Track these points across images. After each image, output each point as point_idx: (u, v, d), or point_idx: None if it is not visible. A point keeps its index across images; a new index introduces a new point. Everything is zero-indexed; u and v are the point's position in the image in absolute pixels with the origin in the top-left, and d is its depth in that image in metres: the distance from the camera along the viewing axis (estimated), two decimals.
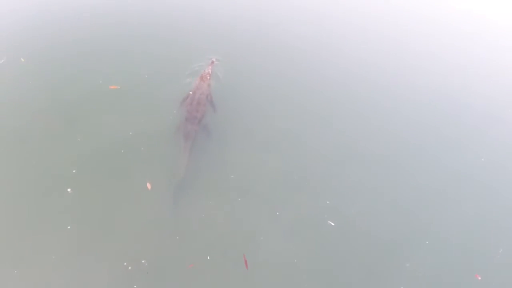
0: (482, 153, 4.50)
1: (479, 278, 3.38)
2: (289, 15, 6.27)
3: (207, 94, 4.15)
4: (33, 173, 3.50)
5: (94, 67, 4.54)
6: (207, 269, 3.13)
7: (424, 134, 4.64)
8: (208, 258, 3.19)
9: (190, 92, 4.13)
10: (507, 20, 7.81)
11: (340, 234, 3.53)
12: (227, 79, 4.69)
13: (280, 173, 3.88)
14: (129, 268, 3.04)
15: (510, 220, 3.94)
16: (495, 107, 5.28)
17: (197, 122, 3.95)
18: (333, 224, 3.55)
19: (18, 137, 3.77)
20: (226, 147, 3.97)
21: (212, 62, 4.48)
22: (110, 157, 3.73)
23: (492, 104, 5.31)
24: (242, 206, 3.58)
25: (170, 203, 3.44)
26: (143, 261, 3.08)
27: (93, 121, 3.98)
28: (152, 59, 4.76)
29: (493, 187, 4.21)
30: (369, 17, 6.85)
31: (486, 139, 4.73)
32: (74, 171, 3.51)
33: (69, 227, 3.15)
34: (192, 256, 3.18)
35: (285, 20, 6.13)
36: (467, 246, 3.64)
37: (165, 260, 3.13)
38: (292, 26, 5.94)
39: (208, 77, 4.29)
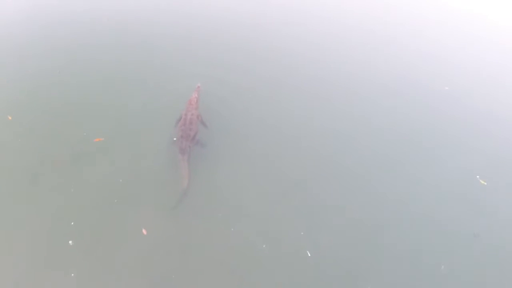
0: (484, 154, 4.67)
1: None
2: (276, 29, 6.83)
3: (197, 115, 4.86)
4: (32, 227, 3.59)
5: (76, 120, 4.74)
6: None
7: (424, 134, 4.93)
8: None
9: (183, 115, 4.83)
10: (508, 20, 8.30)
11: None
12: (214, 98, 5.31)
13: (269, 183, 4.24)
14: None
15: None
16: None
17: (191, 139, 4.63)
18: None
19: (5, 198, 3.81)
20: (220, 156, 4.49)
21: (198, 87, 5.23)
22: (104, 207, 3.85)
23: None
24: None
25: (166, 247, 3.60)
26: None
27: (83, 174, 4.10)
28: (135, 109, 5.02)
29: None
30: (370, 20, 7.28)
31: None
32: (72, 223, 3.65)
33: (72, 274, 3.29)
34: None
35: (272, 34, 6.70)
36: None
37: None
38: (279, 41, 6.49)
39: (196, 101, 5.03)
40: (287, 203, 4.05)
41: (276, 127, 4.98)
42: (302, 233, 3.77)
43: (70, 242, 3.54)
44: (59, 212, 3.76)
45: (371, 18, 7.68)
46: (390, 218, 4.01)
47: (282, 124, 5.04)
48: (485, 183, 4.43)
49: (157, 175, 4.28)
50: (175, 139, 4.49)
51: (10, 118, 4.71)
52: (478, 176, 4.51)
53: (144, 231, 3.72)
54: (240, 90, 5.46)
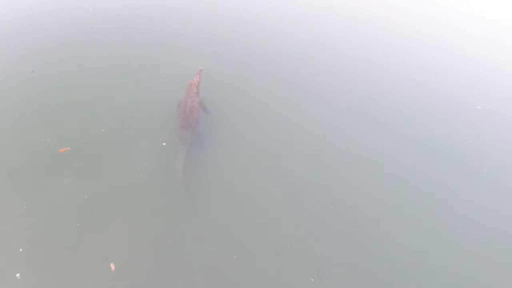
0: (486, 153, 4.52)
1: None
2: (279, 18, 6.52)
3: (199, 101, 4.45)
4: None
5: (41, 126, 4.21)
6: None
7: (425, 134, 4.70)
8: None
9: (182, 101, 4.42)
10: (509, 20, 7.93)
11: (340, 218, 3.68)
12: (217, 83, 5.00)
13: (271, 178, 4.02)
14: None
15: None
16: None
17: (192, 128, 4.26)
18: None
19: None
20: (219, 151, 4.23)
21: (200, 70, 4.77)
22: (63, 230, 3.23)
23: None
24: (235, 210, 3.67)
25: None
26: None
27: (42, 187, 3.55)
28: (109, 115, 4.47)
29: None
30: (369, 18, 7.01)
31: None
32: (20, 249, 3.01)
33: None
34: None
35: (275, 22, 6.39)
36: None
37: None
38: (282, 29, 6.18)
39: (197, 85, 4.58)
40: (288, 200, 3.86)
41: (281, 120, 4.71)
42: (303, 230, 3.59)
43: (18, 275, 2.87)
44: (4, 236, 3.11)
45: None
46: (396, 216, 3.82)
47: (289, 116, 4.78)
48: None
49: (135, 191, 3.69)
50: (164, 144, 4.22)
51: None
52: None
53: (112, 266, 2.99)
54: (242, 78, 5.19)
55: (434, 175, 4.25)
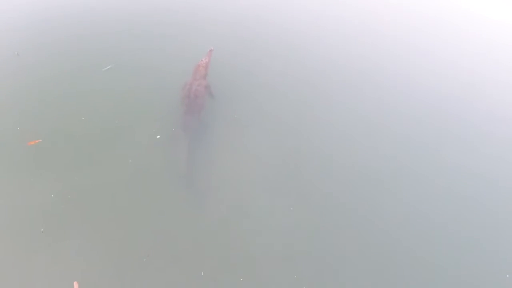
0: (487, 153, 4.30)
1: None
2: (289, 9, 6.00)
3: (205, 85, 4.07)
4: None
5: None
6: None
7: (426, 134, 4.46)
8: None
9: (187, 84, 4.05)
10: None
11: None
12: (225, 69, 4.58)
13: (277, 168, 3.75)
14: None
15: None
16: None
17: (197, 114, 3.92)
18: None
19: None
20: (223, 143, 3.90)
21: (210, 50, 4.35)
22: (22, 238, 2.80)
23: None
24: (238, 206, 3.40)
25: None
26: None
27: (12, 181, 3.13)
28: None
29: None
30: (370, 15, 6.58)
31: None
32: None
33: None
34: None
35: (285, 14, 5.88)
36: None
37: None
38: (292, 21, 5.71)
39: (205, 67, 4.18)
40: (291, 197, 3.56)
41: (290, 115, 4.33)
42: (312, 234, 3.32)
43: None
44: None
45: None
46: (400, 221, 3.56)
47: (297, 111, 4.39)
48: None
49: (116, 192, 3.26)
50: (158, 137, 3.77)
51: None
52: None
53: (75, 286, 2.59)
54: (253, 68, 4.75)
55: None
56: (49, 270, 2.64)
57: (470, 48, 6.22)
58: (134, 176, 3.43)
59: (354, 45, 5.53)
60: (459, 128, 4.59)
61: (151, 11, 5.42)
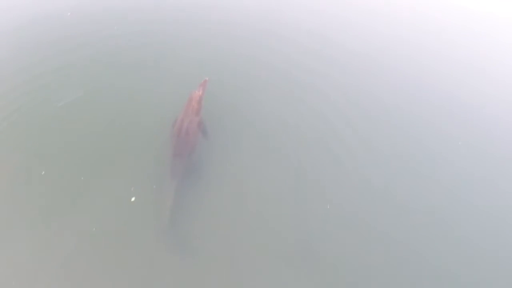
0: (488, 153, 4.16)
1: None
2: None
3: (198, 122, 3.55)
4: None
5: None
6: None
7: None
8: None
9: (178, 121, 3.53)
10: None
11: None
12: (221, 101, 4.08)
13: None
14: None
15: None
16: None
17: (186, 156, 3.37)
18: None
19: None
20: (218, 189, 3.34)
21: (205, 81, 3.86)
22: None
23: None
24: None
25: None
26: None
27: None
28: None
29: None
30: (371, 15, 6.49)
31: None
32: None
33: None
34: None
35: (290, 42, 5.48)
36: None
37: None
38: (299, 50, 5.29)
39: (198, 100, 3.67)
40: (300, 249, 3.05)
41: (296, 152, 3.80)
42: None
43: None
44: None
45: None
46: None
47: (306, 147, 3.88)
48: None
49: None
50: (133, 199, 3.10)
51: None
52: None
53: None
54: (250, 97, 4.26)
55: None
56: None
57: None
58: (96, 250, 2.81)
59: (355, 82, 5.00)
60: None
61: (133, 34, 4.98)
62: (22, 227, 2.86)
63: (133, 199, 3.08)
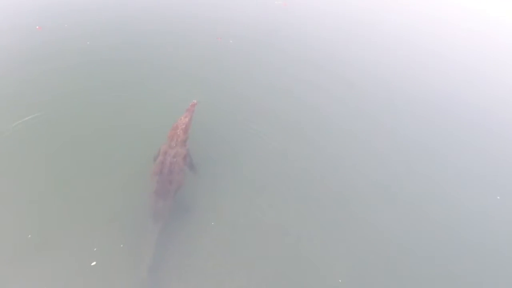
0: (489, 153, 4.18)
1: None
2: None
3: (184, 155, 3.11)
4: None
5: None
6: None
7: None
8: None
9: (161, 153, 3.08)
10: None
11: None
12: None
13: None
14: None
15: None
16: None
17: (170, 196, 2.95)
18: None
19: None
20: (206, 232, 2.94)
21: (193, 105, 3.41)
22: None
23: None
24: None
25: None
26: None
27: None
28: None
29: None
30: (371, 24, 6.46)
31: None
32: None
33: None
34: None
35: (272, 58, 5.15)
36: None
37: None
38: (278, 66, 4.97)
39: (185, 128, 3.23)
40: None
41: (291, 190, 3.45)
42: None
43: None
44: None
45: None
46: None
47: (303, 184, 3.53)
48: None
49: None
50: (93, 264, 2.59)
51: None
52: None
53: None
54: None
55: None
56: None
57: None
58: None
59: (354, 117, 4.67)
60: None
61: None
62: None
63: (93, 263, 2.57)
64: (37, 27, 4.68)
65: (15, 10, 5.13)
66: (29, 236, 2.62)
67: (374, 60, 5.51)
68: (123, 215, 2.87)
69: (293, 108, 4.24)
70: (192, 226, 2.96)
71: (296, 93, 4.46)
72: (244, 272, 2.78)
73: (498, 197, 3.70)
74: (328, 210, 3.32)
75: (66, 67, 3.97)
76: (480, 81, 5.66)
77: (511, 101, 5.44)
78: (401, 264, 2.98)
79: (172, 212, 2.90)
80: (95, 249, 2.62)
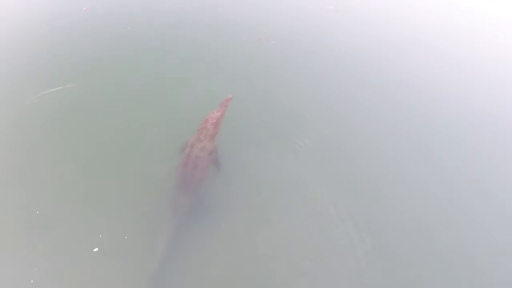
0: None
1: None
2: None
3: (210, 150, 2.98)
4: None
5: None
6: None
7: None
8: None
9: (188, 146, 2.99)
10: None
11: None
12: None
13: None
14: None
15: None
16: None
17: (192, 192, 2.83)
18: None
19: None
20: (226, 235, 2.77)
21: (227, 99, 3.29)
22: None
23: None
24: None
25: None
26: None
27: None
28: None
29: None
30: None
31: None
32: None
33: None
34: None
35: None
36: None
37: None
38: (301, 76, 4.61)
39: (216, 123, 3.10)
40: None
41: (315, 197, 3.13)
42: None
43: None
44: None
45: None
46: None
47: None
48: None
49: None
50: (96, 250, 2.54)
51: None
52: None
53: None
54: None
55: None
56: None
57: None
58: None
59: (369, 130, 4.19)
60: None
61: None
62: None
63: (95, 249, 2.51)
64: (84, 8, 5.07)
65: None
66: (37, 212, 2.65)
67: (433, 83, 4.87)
68: (141, 204, 2.81)
69: (327, 119, 3.91)
70: (209, 223, 2.79)
71: (335, 106, 4.10)
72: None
73: None
74: (355, 216, 2.94)
75: (106, 51, 4.20)
76: None
77: None
78: None
79: (191, 207, 2.77)
80: (100, 236, 2.57)
